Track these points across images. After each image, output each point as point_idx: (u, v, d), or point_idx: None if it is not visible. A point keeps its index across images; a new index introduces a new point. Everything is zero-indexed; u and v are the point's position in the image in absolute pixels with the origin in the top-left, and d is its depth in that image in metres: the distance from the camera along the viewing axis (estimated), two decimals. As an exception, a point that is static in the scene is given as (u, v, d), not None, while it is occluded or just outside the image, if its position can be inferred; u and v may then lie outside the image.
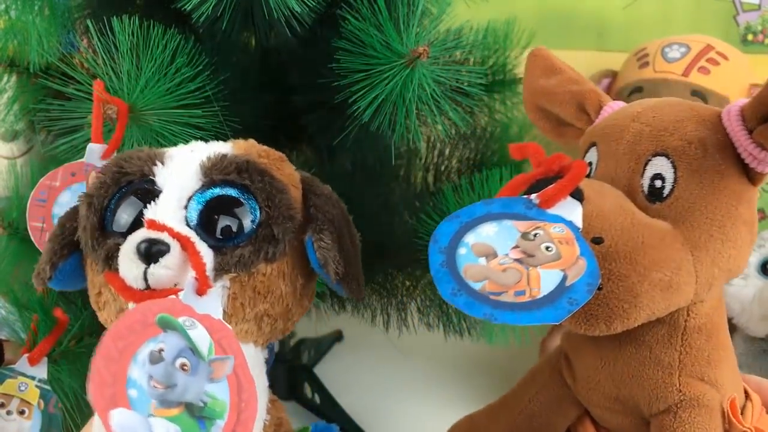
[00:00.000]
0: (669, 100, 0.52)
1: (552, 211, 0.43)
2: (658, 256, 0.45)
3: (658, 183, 0.47)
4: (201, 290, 0.44)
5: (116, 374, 0.38)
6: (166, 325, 0.40)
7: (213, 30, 0.69)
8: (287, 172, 0.53)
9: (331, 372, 0.98)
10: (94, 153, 0.64)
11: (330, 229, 0.50)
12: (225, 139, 0.68)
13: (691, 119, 0.49)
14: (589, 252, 0.42)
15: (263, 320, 0.49)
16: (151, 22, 0.64)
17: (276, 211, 0.47)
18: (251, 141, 0.55)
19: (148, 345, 0.40)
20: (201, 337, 0.41)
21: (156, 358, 0.40)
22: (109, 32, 0.64)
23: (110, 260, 0.46)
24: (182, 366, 0.40)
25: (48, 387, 0.67)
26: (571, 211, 0.43)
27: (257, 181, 0.48)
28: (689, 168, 0.47)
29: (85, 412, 0.74)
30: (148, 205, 0.47)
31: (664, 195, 0.47)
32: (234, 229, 0.47)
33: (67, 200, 0.64)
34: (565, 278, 0.40)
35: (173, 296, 0.43)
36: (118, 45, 0.63)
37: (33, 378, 0.67)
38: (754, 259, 0.81)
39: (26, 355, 0.67)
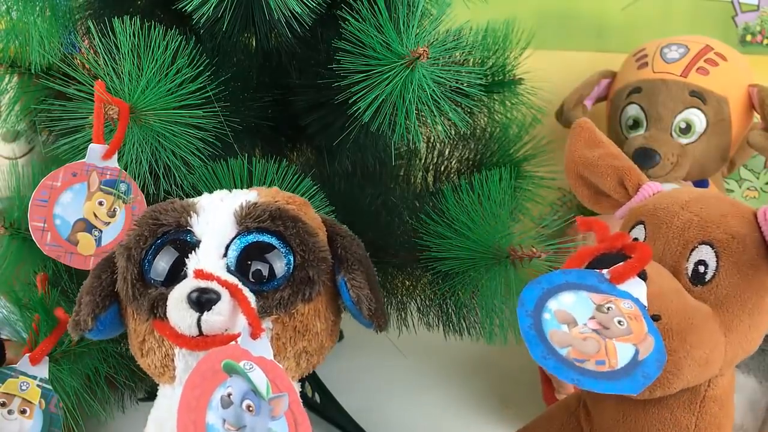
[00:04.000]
0: (710, 192, 0.58)
1: (621, 287, 0.48)
2: (703, 336, 0.51)
3: (701, 268, 0.53)
4: (255, 334, 0.46)
5: (196, 421, 0.40)
6: (231, 370, 0.43)
7: (214, 31, 0.69)
8: (311, 216, 0.56)
9: (332, 372, 0.98)
10: (96, 153, 0.64)
11: (360, 269, 0.54)
12: (226, 138, 0.68)
13: (734, 215, 0.54)
14: (655, 330, 0.47)
15: (302, 357, 0.52)
16: (152, 23, 0.64)
17: (310, 255, 0.51)
18: (275, 188, 0.58)
19: (219, 390, 0.42)
20: (259, 378, 0.44)
21: (226, 402, 0.42)
22: (110, 33, 0.64)
23: (155, 309, 0.48)
24: (248, 407, 0.43)
25: (49, 386, 0.68)
26: (637, 289, 0.49)
27: (290, 227, 0.51)
28: (730, 259, 0.52)
29: (86, 412, 0.74)
30: (189, 255, 0.49)
31: (706, 280, 0.53)
32: (265, 273, 0.50)
33: (68, 200, 0.64)
34: (637, 353, 0.45)
35: (233, 342, 0.45)
36: (119, 46, 0.63)
37: (34, 377, 0.67)
38: (753, 258, 0.82)
39: (27, 354, 0.67)
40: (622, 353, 0.45)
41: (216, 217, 0.51)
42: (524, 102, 0.90)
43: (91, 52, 0.69)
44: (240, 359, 0.44)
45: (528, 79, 0.89)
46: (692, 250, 0.53)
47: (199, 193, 0.66)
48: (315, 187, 0.68)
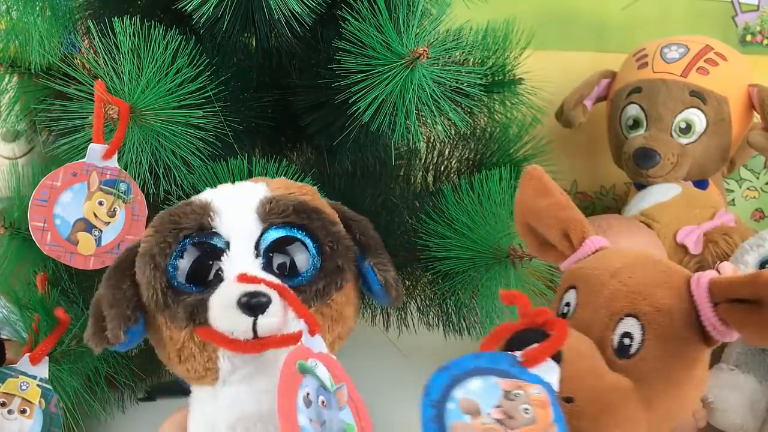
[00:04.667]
0: (645, 257, 0.55)
1: (533, 370, 0.47)
2: (620, 416, 0.49)
3: (626, 341, 0.51)
4: (313, 331, 0.47)
5: (293, 425, 0.42)
6: (304, 371, 0.44)
7: (214, 31, 0.69)
8: (325, 204, 0.55)
9: (331, 372, 0.98)
10: (96, 153, 0.64)
11: (384, 252, 0.54)
12: (226, 138, 0.69)
13: (663, 285, 0.52)
14: (562, 419, 0.46)
15: (336, 343, 0.53)
16: (152, 22, 0.64)
17: (337, 244, 0.51)
18: (283, 178, 0.57)
19: (300, 392, 0.43)
20: (323, 373, 0.45)
21: (308, 402, 0.43)
22: (110, 33, 0.64)
23: (194, 316, 0.48)
24: (322, 403, 0.44)
25: (49, 386, 0.68)
26: (550, 373, 0.47)
27: (315, 220, 0.51)
28: (655, 333, 0.50)
29: (86, 412, 0.74)
30: (221, 257, 0.49)
31: (631, 353, 0.51)
32: (289, 266, 0.50)
33: (68, 200, 0.64)
34: None
35: (300, 342, 0.46)
36: (119, 45, 0.63)
37: (34, 377, 0.67)
38: (753, 258, 0.82)
39: (27, 354, 0.68)
40: None
41: (239, 215, 0.51)
42: (524, 102, 0.90)
43: (91, 52, 0.69)
44: (307, 358, 0.45)
45: (528, 79, 0.89)
46: (618, 321, 0.51)
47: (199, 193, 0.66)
48: (315, 186, 0.68)
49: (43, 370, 0.68)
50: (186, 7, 0.64)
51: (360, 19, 0.64)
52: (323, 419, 0.44)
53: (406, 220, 0.82)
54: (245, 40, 0.79)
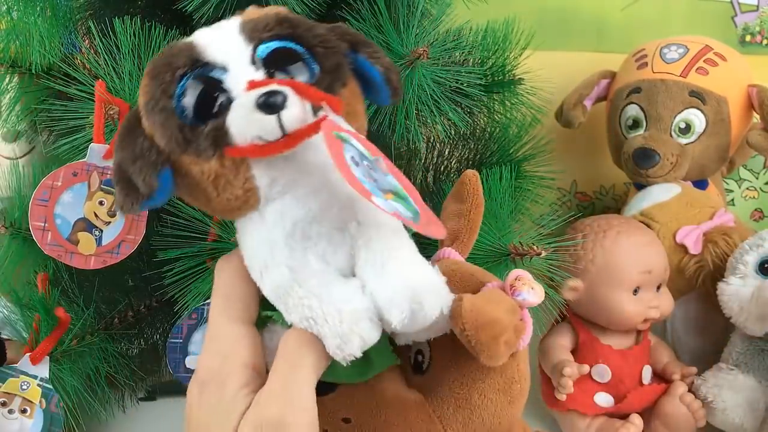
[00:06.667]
0: (445, 272, 0.55)
1: None
2: (400, 431, 0.52)
3: (419, 357, 0.53)
4: (336, 110, 0.47)
5: (351, 175, 0.44)
6: (341, 139, 0.45)
7: (214, 31, 0.69)
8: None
9: (332, 372, 0.97)
10: (96, 153, 0.64)
11: (373, 43, 0.53)
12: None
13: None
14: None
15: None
16: (153, 22, 0.64)
17: (327, 43, 0.50)
18: (253, 8, 0.55)
19: (346, 153, 0.45)
20: (358, 144, 0.47)
21: (355, 162, 0.45)
22: (110, 33, 0.64)
23: (218, 141, 0.47)
24: (368, 166, 0.46)
25: (50, 386, 0.68)
26: None
27: (298, 26, 0.50)
28: (438, 347, 0.52)
29: (86, 411, 0.74)
30: (224, 84, 0.48)
31: (423, 369, 0.53)
32: (295, 75, 0.49)
33: (69, 200, 0.65)
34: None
35: (326, 119, 0.46)
36: (119, 45, 0.64)
37: (35, 377, 0.67)
38: (752, 258, 0.82)
39: (28, 354, 0.68)
40: None
41: (226, 42, 0.49)
42: (524, 102, 0.90)
43: (92, 52, 0.69)
44: (340, 130, 0.46)
45: (528, 79, 0.89)
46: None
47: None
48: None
49: (43, 369, 0.68)
50: (186, 8, 0.64)
51: (360, 19, 0.64)
52: (374, 177, 0.45)
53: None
54: (245, 41, 0.79)
